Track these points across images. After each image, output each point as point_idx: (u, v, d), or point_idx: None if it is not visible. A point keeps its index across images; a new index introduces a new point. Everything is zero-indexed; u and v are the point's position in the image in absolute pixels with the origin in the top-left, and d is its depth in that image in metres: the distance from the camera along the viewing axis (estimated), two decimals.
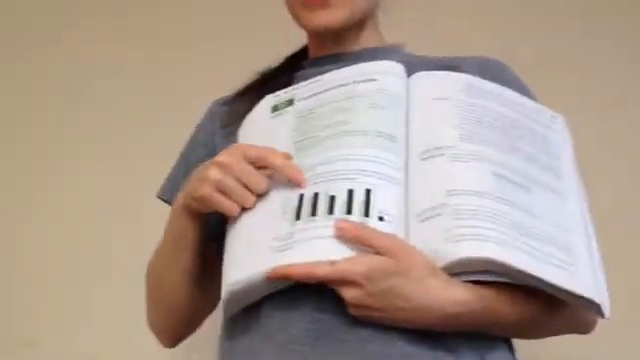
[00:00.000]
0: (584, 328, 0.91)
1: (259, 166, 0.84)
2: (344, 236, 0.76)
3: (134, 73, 1.71)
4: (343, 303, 0.78)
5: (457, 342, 0.81)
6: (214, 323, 1.03)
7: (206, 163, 0.86)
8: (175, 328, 1.04)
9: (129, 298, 1.30)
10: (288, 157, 0.85)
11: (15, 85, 1.74)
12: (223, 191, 0.83)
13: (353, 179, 0.81)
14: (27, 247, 1.62)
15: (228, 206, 0.84)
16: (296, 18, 1.04)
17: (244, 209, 0.84)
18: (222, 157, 0.84)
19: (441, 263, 0.77)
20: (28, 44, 1.76)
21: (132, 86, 1.70)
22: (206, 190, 0.84)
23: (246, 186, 0.83)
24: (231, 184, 0.83)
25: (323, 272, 0.75)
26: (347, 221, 0.77)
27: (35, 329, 1.56)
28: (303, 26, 1.04)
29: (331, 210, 0.79)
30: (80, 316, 1.55)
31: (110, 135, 1.68)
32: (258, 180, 0.83)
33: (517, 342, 0.93)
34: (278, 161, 0.83)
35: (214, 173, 0.83)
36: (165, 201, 1.07)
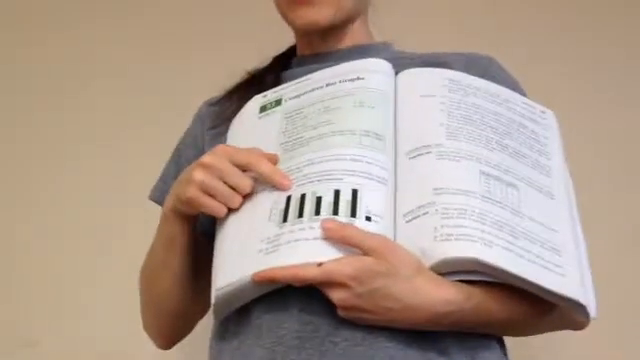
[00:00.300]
0: (577, 325, 0.90)
1: (244, 170, 0.84)
2: (331, 237, 0.76)
3: (135, 73, 1.71)
4: (332, 304, 0.78)
5: (448, 343, 0.81)
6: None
7: (192, 165, 0.86)
8: (168, 330, 1.04)
9: (130, 298, 1.29)
10: (274, 159, 0.85)
11: (15, 85, 1.74)
12: (209, 192, 0.83)
13: (340, 179, 0.80)
14: (27, 247, 1.61)
15: (215, 207, 0.84)
16: (284, 16, 1.04)
17: (231, 211, 0.84)
18: (206, 158, 0.84)
19: (428, 262, 0.76)
20: (29, 43, 1.76)
21: (133, 86, 1.70)
22: (192, 192, 0.84)
23: (232, 187, 0.83)
24: (216, 185, 0.83)
25: (309, 274, 0.75)
26: (333, 221, 0.77)
27: (35, 329, 1.56)
28: (291, 24, 1.04)
29: (318, 211, 0.78)
30: (80, 316, 1.55)
31: (110, 135, 1.67)
32: (243, 181, 0.83)
33: (509, 341, 0.92)
34: (264, 168, 0.83)
35: (199, 174, 0.83)
36: (157, 203, 1.07)
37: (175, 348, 1.08)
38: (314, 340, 0.79)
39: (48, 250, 1.61)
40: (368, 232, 0.77)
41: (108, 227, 1.60)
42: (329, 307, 0.79)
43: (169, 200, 0.90)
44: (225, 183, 0.83)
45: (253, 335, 0.83)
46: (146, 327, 1.05)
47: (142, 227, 1.48)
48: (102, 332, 1.53)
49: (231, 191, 0.83)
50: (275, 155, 0.86)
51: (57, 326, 1.55)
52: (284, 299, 0.81)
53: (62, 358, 1.53)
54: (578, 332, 0.91)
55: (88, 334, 1.54)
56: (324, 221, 0.76)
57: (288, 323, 0.81)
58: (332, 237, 0.76)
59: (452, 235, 0.75)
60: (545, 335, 0.92)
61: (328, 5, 0.99)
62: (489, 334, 0.86)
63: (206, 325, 1.05)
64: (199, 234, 0.95)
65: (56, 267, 1.59)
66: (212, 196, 0.83)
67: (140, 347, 1.44)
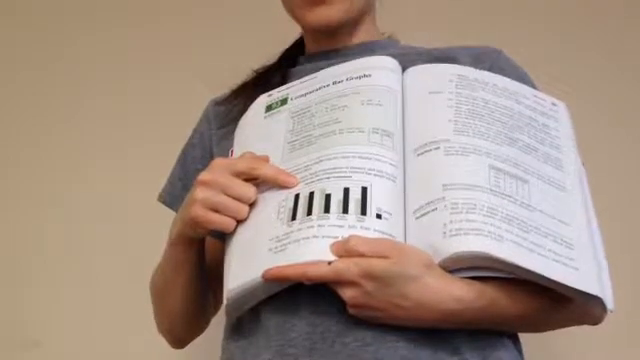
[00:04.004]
0: (593, 319, 0.88)
1: (247, 178, 0.83)
2: (337, 254, 0.75)
3: (144, 74, 1.71)
4: (342, 305, 0.77)
5: (459, 342, 0.80)
6: (219, 324, 1.03)
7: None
8: (182, 334, 1.05)
9: (131, 299, 1.29)
10: (267, 160, 0.85)
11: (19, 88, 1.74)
12: (214, 208, 0.82)
13: (349, 177, 0.80)
14: (28, 247, 1.61)
15: (223, 221, 0.82)
16: (295, 16, 1.03)
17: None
18: (205, 175, 0.83)
19: (438, 258, 0.75)
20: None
21: (134, 86, 1.70)
22: (196, 210, 0.83)
23: (235, 198, 0.82)
24: (220, 199, 0.82)
25: (319, 272, 0.74)
26: (336, 242, 0.75)
27: (38, 330, 1.56)
28: (302, 23, 1.04)
29: (327, 209, 0.78)
30: (81, 317, 1.55)
31: (109, 137, 1.67)
32: (246, 189, 0.82)
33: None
34: (267, 170, 0.83)
35: (200, 192, 0.82)
36: (165, 204, 1.07)
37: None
38: (325, 342, 0.79)
39: (49, 250, 1.60)
40: (371, 238, 0.76)
41: (109, 227, 1.59)
42: (339, 309, 0.78)
43: (175, 226, 0.90)
44: (228, 196, 0.82)
45: (262, 337, 0.83)
46: (160, 330, 1.05)
47: (143, 227, 1.50)
48: (102, 332, 1.53)
49: (236, 202, 0.82)
50: (267, 157, 0.85)
51: (58, 327, 1.55)
52: (294, 301, 0.81)
53: (63, 359, 1.53)
54: (597, 332, 0.90)
55: (89, 335, 1.53)
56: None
57: (298, 325, 0.80)
58: (338, 254, 0.75)
59: (462, 230, 0.74)
60: (563, 334, 0.91)
61: (341, 3, 0.99)
62: (502, 332, 0.85)
63: (215, 324, 1.05)
64: (213, 237, 0.95)
65: (57, 267, 1.59)
66: (218, 211, 0.82)
67: (140, 347, 1.45)
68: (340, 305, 0.77)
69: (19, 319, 1.57)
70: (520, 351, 0.89)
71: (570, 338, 1.30)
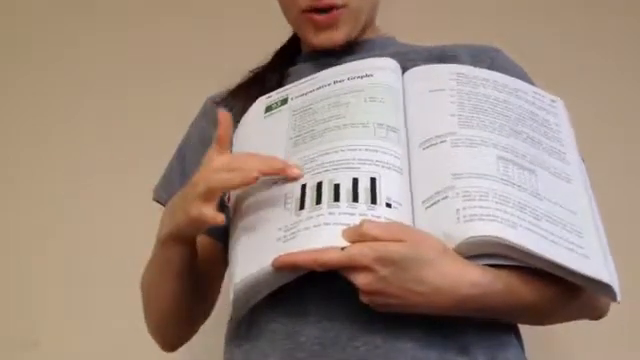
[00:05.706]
0: (599, 312, 0.88)
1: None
2: (350, 239, 0.73)
3: (137, 74, 1.70)
4: (352, 309, 0.77)
5: (468, 340, 0.80)
6: (217, 326, 1.03)
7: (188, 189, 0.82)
8: (172, 338, 1.03)
9: (130, 298, 1.28)
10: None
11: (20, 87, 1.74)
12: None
13: (357, 168, 0.80)
14: (28, 247, 1.61)
15: (243, 175, 0.78)
16: (302, 37, 1.04)
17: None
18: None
19: (452, 244, 0.75)
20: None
21: (134, 86, 1.69)
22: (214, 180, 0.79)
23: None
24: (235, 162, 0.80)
25: (332, 258, 0.73)
26: (348, 228, 0.74)
27: (38, 330, 1.55)
28: (306, 42, 1.04)
29: (337, 197, 0.77)
30: (80, 316, 1.55)
31: (109, 137, 1.67)
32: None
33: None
34: (277, 162, 0.81)
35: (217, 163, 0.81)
36: (161, 203, 1.05)
37: (178, 351, 1.06)
38: (335, 346, 0.78)
39: (48, 250, 1.60)
40: (384, 222, 0.75)
41: (108, 227, 1.59)
42: (348, 313, 0.78)
43: (166, 227, 0.88)
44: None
45: (268, 341, 0.82)
46: (150, 332, 1.03)
47: (143, 227, 1.48)
48: (102, 332, 1.52)
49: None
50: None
51: (57, 327, 1.55)
52: (302, 305, 0.81)
53: (62, 359, 1.53)
54: (597, 332, 0.89)
55: (88, 334, 1.53)
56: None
57: (307, 330, 0.80)
58: (351, 239, 0.73)
59: (475, 216, 0.74)
60: (564, 335, 0.91)
61: (347, 24, 1.00)
62: (508, 331, 0.85)
63: (207, 325, 1.05)
64: (209, 237, 0.95)
65: (57, 267, 1.58)
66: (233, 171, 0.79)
67: (140, 347, 1.43)
68: (349, 309, 0.77)
69: (19, 319, 1.56)
70: (523, 350, 0.89)
71: (570, 338, 1.31)
